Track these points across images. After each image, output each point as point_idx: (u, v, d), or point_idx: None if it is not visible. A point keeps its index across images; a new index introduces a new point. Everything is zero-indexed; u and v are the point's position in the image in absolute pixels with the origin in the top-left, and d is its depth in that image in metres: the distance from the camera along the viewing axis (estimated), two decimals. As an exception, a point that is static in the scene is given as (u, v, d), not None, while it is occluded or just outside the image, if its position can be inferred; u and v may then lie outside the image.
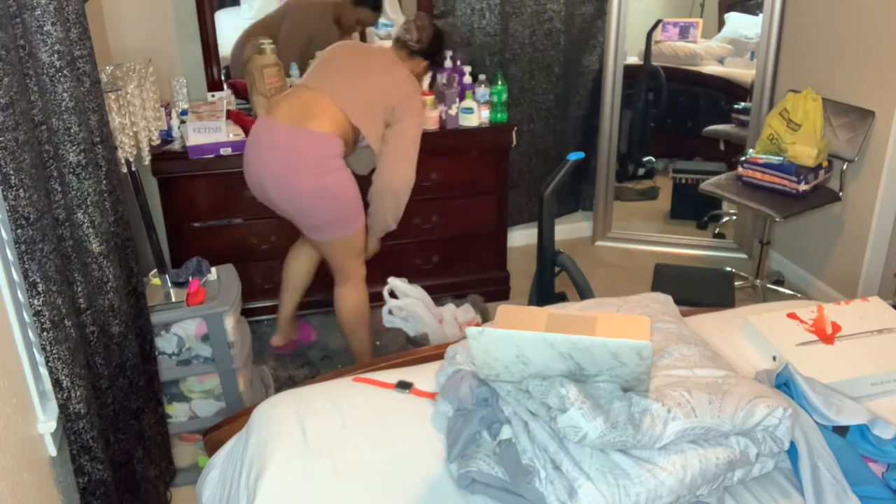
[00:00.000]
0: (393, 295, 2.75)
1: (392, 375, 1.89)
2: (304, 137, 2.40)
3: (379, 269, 3.28)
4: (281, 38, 3.10)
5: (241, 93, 3.24)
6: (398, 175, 2.58)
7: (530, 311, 1.55)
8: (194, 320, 2.28)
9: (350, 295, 2.67)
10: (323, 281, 3.25)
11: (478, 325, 2.84)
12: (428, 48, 2.65)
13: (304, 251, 2.88)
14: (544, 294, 2.86)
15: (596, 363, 1.43)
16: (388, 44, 2.71)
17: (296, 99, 2.49)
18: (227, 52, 3.25)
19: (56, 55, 1.57)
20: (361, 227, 2.59)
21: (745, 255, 3.84)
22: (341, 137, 2.45)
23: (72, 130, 1.64)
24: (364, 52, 2.74)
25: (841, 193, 3.20)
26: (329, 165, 2.42)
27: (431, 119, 3.10)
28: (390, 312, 2.73)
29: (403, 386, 1.82)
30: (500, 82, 3.18)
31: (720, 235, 4.01)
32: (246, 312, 2.85)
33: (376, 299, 2.88)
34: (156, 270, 2.39)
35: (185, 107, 3.05)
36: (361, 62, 2.61)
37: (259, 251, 3.12)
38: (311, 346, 3.10)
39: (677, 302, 2.06)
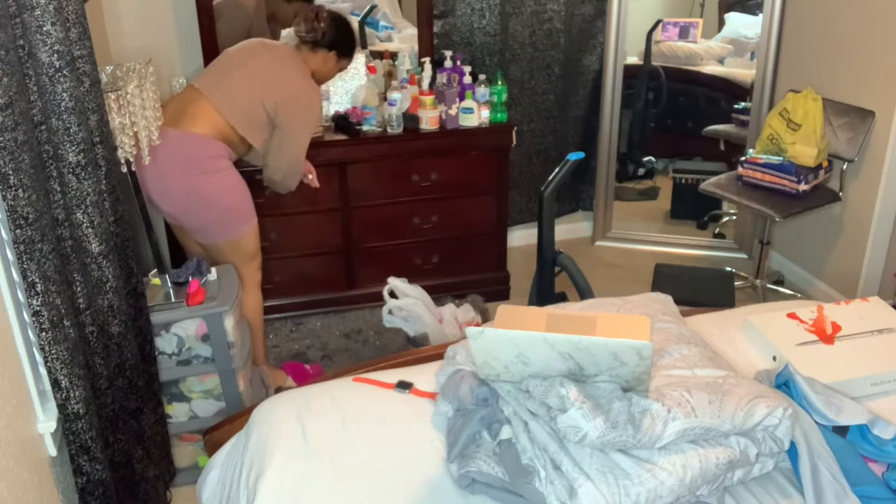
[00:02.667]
0: (393, 295, 2.75)
1: (392, 375, 1.88)
2: (178, 139, 2.38)
3: (379, 269, 3.28)
4: (220, 39, 3.06)
5: (240, 93, 3.24)
6: (278, 173, 2.56)
7: (530, 311, 1.55)
8: (194, 320, 2.28)
9: (245, 300, 2.61)
10: (323, 281, 3.26)
11: (478, 325, 2.84)
12: (328, 38, 2.55)
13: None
14: (544, 294, 2.86)
15: (596, 363, 1.43)
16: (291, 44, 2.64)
17: (180, 99, 2.50)
18: (227, 52, 3.24)
19: (56, 55, 1.57)
20: (250, 231, 2.55)
21: (745, 255, 3.84)
22: (220, 138, 2.42)
23: (71, 130, 1.64)
24: (258, 50, 2.58)
25: (841, 193, 3.20)
26: (204, 167, 2.40)
27: (431, 119, 3.10)
28: (390, 312, 2.73)
29: (403, 386, 1.82)
30: (500, 82, 3.18)
31: (720, 235, 4.01)
32: (246, 312, 2.85)
33: (376, 299, 2.88)
34: (156, 270, 2.39)
35: (185, 107, 3.04)
36: (250, 60, 2.52)
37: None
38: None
39: (677, 302, 2.06)
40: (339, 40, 2.59)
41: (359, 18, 3.52)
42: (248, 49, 2.59)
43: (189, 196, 2.41)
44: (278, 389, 2.58)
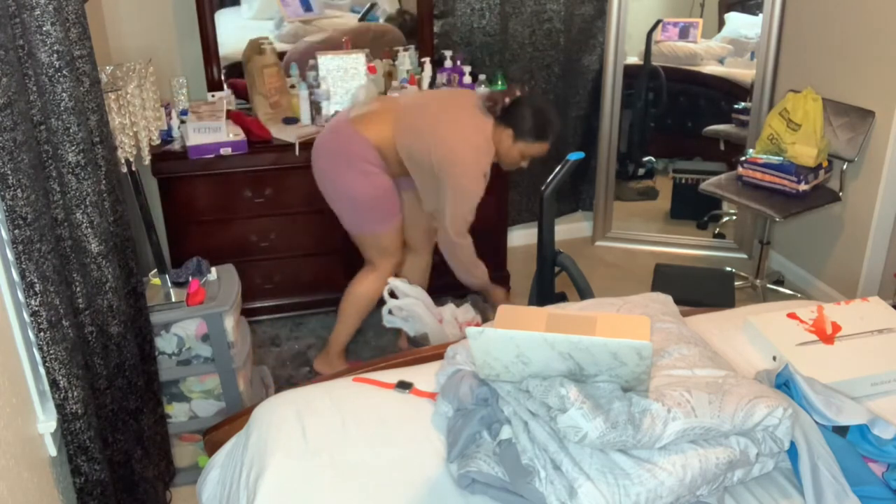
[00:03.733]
0: (393, 295, 2.75)
1: (392, 375, 1.88)
2: (348, 135, 2.54)
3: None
4: None
5: (241, 93, 3.24)
6: (443, 235, 2.59)
7: (530, 311, 1.55)
8: (194, 320, 2.28)
9: (364, 281, 2.74)
10: (324, 281, 3.25)
11: (478, 325, 2.84)
12: (505, 114, 2.47)
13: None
14: (544, 294, 2.86)
15: (596, 363, 1.43)
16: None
17: (373, 106, 2.63)
18: (228, 52, 3.24)
19: (55, 55, 1.57)
20: (382, 232, 2.63)
21: (745, 255, 3.84)
22: (378, 147, 2.51)
23: (71, 130, 1.64)
24: (451, 96, 2.73)
25: (841, 193, 3.20)
26: (351, 164, 2.52)
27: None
28: (390, 312, 2.73)
29: (403, 386, 1.82)
30: (500, 82, 3.18)
31: (720, 235, 4.01)
32: (246, 312, 2.85)
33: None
34: (156, 270, 2.39)
35: (185, 107, 3.05)
36: (443, 99, 2.64)
37: (259, 251, 3.12)
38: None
39: (677, 302, 2.06)
40: (517, 119, 2.46)
41: (358, 16, 3.52)
42: (448, 93, 2.84)
43: (334, 185, 2.60)
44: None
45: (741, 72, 4.06)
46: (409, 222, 2.77)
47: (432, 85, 3.22)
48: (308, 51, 3.32)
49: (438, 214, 2.58)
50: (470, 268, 2.69)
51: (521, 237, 3.92)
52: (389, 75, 3.32)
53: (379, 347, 3.08)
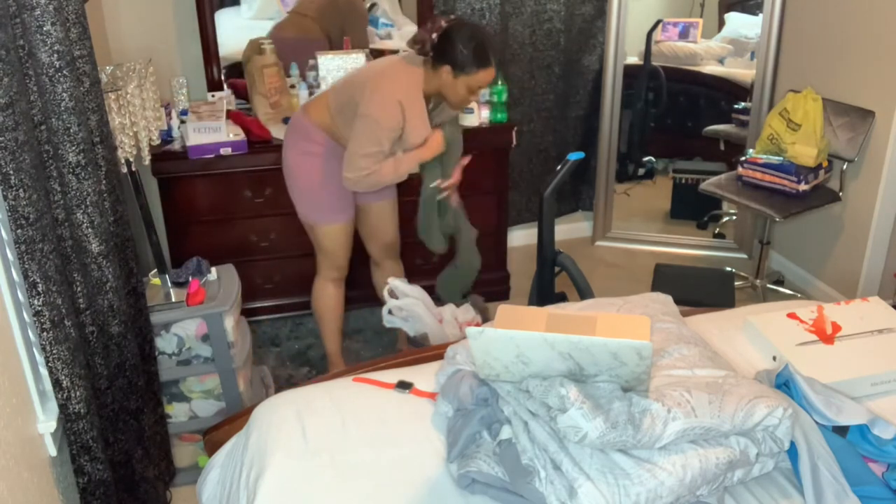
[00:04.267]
0: (393, 295, 2.75)
1: (392, 375, 1.88)
2: (294, 119, 2.55)
3: (379, 269, 3.27)
4: None
5: (241, 93, 3.24)
6: (344, 172, 2.40)
7: (530, 311, 1.55)
8: (194, 320, 2.28)
9: (314, 288, 2.75)
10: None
11: (478, 325, 2.84)
12: (436, 51, 2.27)
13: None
14: (544, 294, 2.86)
15: (596, 363, 1.43)
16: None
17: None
18: (228, 52, 3.25)
19: (56, 55, 1.57)
20: (322, 225, 2.58)
21: (745, 255, 3.84)
22: (323, 128, 2.47)
23: (71, 130, 1.64)
24: (381, 59, 2.61)
25: (841, 193, 3.20)
26: (295, 145, 2.52)
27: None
28: (390, 312, 2.73)
29: (403, 386, 1.82)
30: (500, 82, 3.18)
31: (720, 235, 4.01)
32: (246, 312, 2.85)
33: (376, 299, 2.87)
34: (156, 270, 2.39)
35: (185, 107, 3.05)
36: (369, 64, 2.55)
37: (259, 251, 3.12)
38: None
39: (677, 302, 2.06)
40: (450, 53, 2.25)
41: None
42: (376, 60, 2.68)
43: (285, 167, 2.57)
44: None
45: (741, 72, 4.06)
46: (370, 234, 2.77)
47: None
48: (278, 45, 3.33)
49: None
50: (389, 181, 2.45)
51: (521, 237, 3.92)
52: (389, 75, 3.31)
53: (379, 347, 3.08)
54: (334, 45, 3.40)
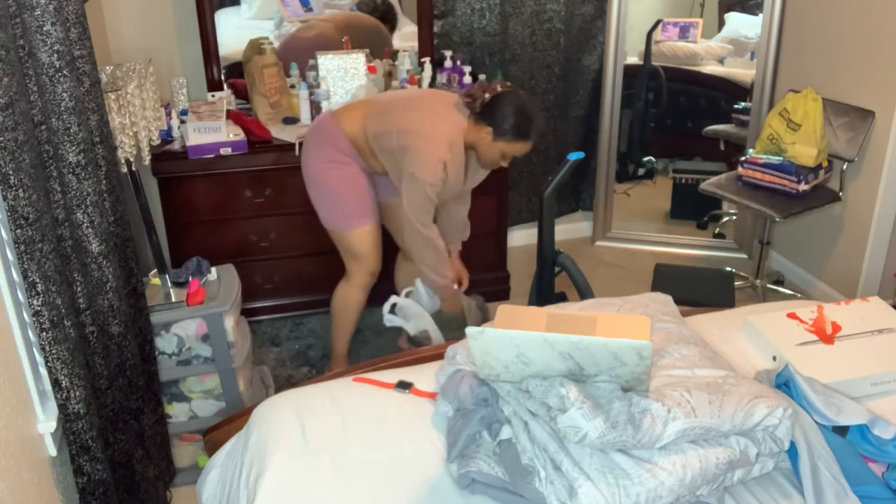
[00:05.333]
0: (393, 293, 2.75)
1: (392, 375, 1.88)
2: (328, 124, 2.54)
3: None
4: None
5: (241, 93, 3.24)
6: (413, 241, 2.49)
7: (530, 311, 1.55)
8: (194, 320, 2.28)
9: (340, 289, 2.75)
10: (324, 281, 3.25)
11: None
12: (484, 111, 2.34)
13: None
14: (544, 294, 2.86)
15: (596, 363, 1.43)
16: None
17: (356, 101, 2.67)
18: (228, 52, 3.25)
19: (56, 55, 1.57)
20: (349, 231, 2.59)
21: (745, 255, 3.84)
22: (353, 141, 2.49)
23: (71, 130, 1.64)
24: (426, 92, 2.67)
25: (841, 193, 3.20)
26: (321, 152, 2.53)
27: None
28: (391, 311, 2.74)
29: (403, 386, 1.82)
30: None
31: (720, 235, 4.01)
32: (246, 312, 2.85)
33: (376, 299, 2.87)
34: (156, 270, 2.39)
35: (185, 107, 3.05)
36: (422, 93, 2.59)
37: (259, 251, 3.12)
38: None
39: (677, 302, 2.06)
40: (497, 117, 2.33)
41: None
42: (430, 90, 2.76)
43: (307, 176, 2.59)
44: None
45: (741, 72, 4.06)
46: (399, 228, 2.74)
47: (432, 85, 3.22)
48: (293, 43, 3.31)
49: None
50: (425, 259, 2.51)
51: (521, 237, 3.92)
52: (389, 75, 3.32)
53: (379, 347, 3.08)
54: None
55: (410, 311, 2.71)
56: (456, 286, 2.73)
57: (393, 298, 2.70)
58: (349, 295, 2.72)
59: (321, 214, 2.63)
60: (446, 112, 2.42)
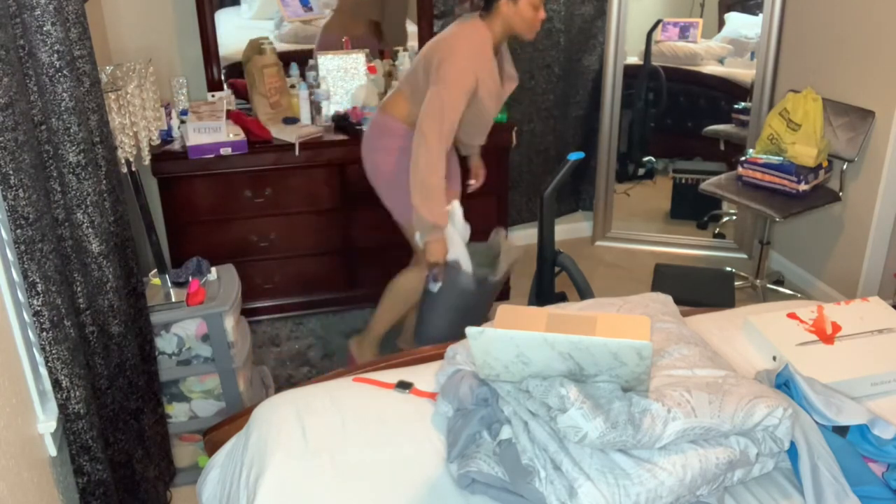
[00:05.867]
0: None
1: (392, 375, 1.88)
2: (374, 119, 2.55)
3: (379, 269, 3.28)
4: None
5: (241, 93, 3.24)
6: (413, 156, 2.33)
7: (530, 311, 1.55)
8: (194, 320, 2.28)
9: (406, 274, 2.70)
10: (323, 281, 3.25)
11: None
12: None
13: None
14: (544, 294, 2.86)
15: (596, 363, 1.43)
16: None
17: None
18: (228, 52, 3.25)
19: (56, 55, 1.57)
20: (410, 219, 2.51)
21: (745, 255, 3.84)
22: (401, 118, 2.46)
23: (71, 130, 1.64)
24: (444, 31, 2.49)
25: (841, 193, 3.20)
26: (378, 145, 2.53)
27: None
28: None
29: (403, 386, 1.82)
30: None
31: (720, 235, 4.01)
32: (246, 312, 2.85)
33: (376, 299, 2.86)
34: (156, 270, 2.39)
35: (185, 107, 3.05)
36: (437, 37, 2.46)
37: (259, 251, 3.12)
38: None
39: (677, 302, 2.06)
40: None
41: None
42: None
43: (367, 163, 2.58)
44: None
45: (741, 72, 4.06)
46: None
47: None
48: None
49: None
50: (421, 178, 2.32)
51: (521, 237, 3.92)
52: (389, 75, 3.32)
53: (378, 347, 3.08)
54: (383, 32, 3.45)
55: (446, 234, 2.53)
56: (473, 182, 2.76)
57: None
58: (412, 283, 2.68)
59: (394, 212, 2.60)
60: (460, 30, 2.36)
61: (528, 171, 3.83)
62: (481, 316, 2.65)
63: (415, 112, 2.37)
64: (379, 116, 2.55)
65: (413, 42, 3.44)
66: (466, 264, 2.55)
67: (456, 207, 2.56)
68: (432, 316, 2.59)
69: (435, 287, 2.53)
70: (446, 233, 2.47)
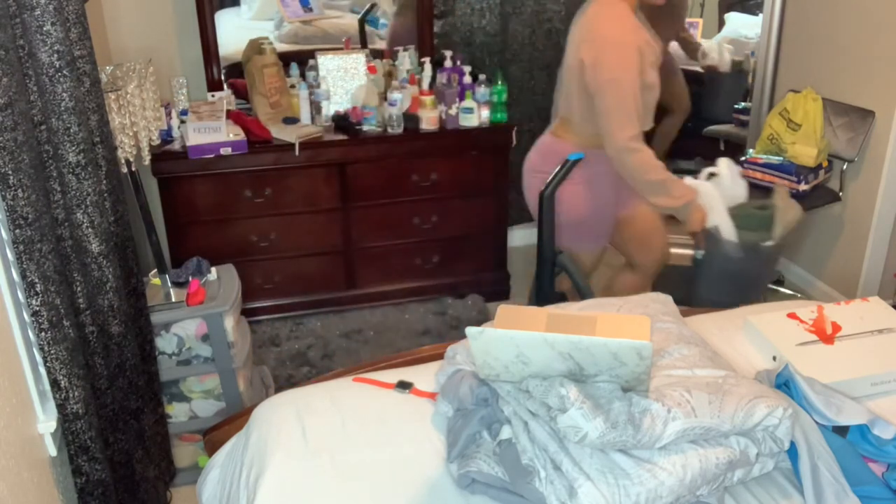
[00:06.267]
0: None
1: (392, 375, 1.88)
2: (544, 143, 2.44)
3: (379, 269, 3.28)
4: None
5: (241, 93, 3.24)
6: (619, 168, 2.23)
7: (530, 311, 1.55)
8: (194, 320, 2.28)
9: (624, 275, 2.68)
10: (323, 281, 3.25)
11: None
12: None
13: None
14: (544, 294, 2.85)
15: (596, 363, 1.43)
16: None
17: None
18: (228, 52, 3.25)
19: (56, 55, 1.57)
20: (583, 252, 2.46)
21: (745, 255, 3.84)
22: (571, 141, 2.32)
23: (71, 130, 1.64)
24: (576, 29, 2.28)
25: (841, 193, 3.20)
26: (544, 168, 2.37)
27: (431, 119, 3.08)
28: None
29: (403, 386, 1.82)
30: (500, 82, 3.18)
31: (720, 235, 4.00)
32: (246, 312, 2.85)
33: (376, 299, 2.86)
34: (156, 270, 2.39)
35: (185, 107, 3.05)
36: (571, 40, 2.25)
37: (259, 251, 3.12)
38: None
39: (677, 302, 2.06)
40: None
41: (359, 16, 3.52)
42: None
43: (534, 195, 2.41)
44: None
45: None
46: (637, 247, 2.61)
47: (432, 85, 3.22)
48: None
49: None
50: (643, 180, 2.22)
51: (521, 237, 3.92)
52: (389, 75, 3.32)
53: (379, 346, 3.08)
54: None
55: (705, 200, 2.39)
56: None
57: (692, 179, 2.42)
58: (627, 285, 2.64)
59: (561, 239, 2.48)
60: (594, 16, 2.19)
61: (528, 171, 3.83)
62: (759, 284, 2.53)
63: (586, 129, 2.26)
64: (548, 142, 2.43)
65: (413, 42, 3.44)
66: (728, 231, 2.37)
67: (723, 167, 2.39)
68: (705, 283, 2.49)
69: (699, 254, 2.42)
70: (704, 200, 2.31)
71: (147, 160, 2.30)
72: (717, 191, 2.36)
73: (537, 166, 2.47)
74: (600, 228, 2.52)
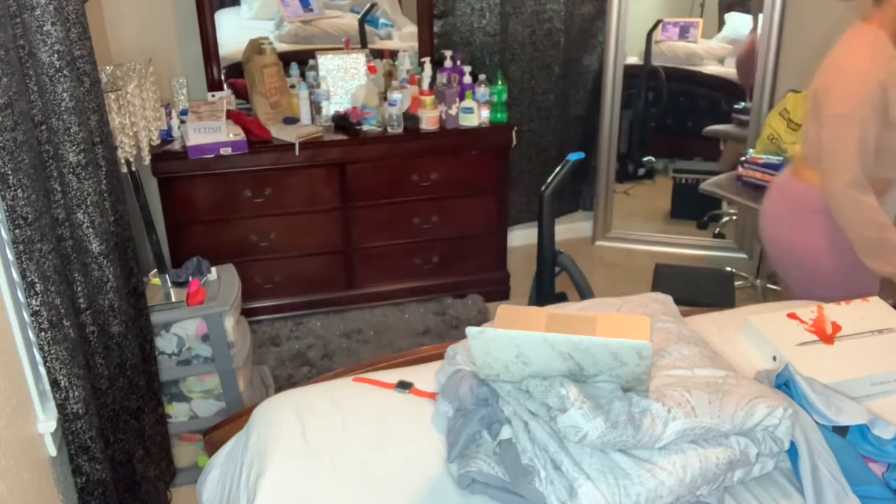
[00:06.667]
0: None
1: (392, 375, 1.88)
2: (786, 184, 2.20)
3: (379, 269, 3.28)
4: None
5: (241, 93, 3.24)
6: (836, 217, 2.01)
7: (530, 311, 1.55)
8: (194, 320, 2.28)
9: None
10: (323, 281, 3.26)
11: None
12: None
13: None
14: (544, 294, 2.86)
15: (596, 363, 1.43)
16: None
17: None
18: (228, 52, 3.25)
19: (56, 55, 1.57)
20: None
21: (745, 255, 3.84)
22: (812, 181, 2.09)
23: (71, 130, 1.64)
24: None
25: (841, 193, 3.20)
26: (799, 219, 2.17)
27: (431, 119, 3.08)
28: None
29: (403, 386, 1.82)
30: (500, 82, 3.18)
31: (720, 235, 4.01)
32: (246, 312, 2.85)
33: (376, 299, 2.87)
34: (156, 270, 2.39)
35: (185, 107, 3.05)
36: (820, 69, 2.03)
37: (259, 251, 3.12)
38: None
39: (677, 302, 2.06)
40: None
41: (359, 16, 3.52)
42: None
43: (777, 245, 2.22)
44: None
45: (741, 72, 4.06)
46: None
47: (432, 85, 3.22)
48: None
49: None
50: (857, 235, 1.98)
51: (521, 237, 3.93)
52: (389, 75, 3.32)
53: (379, 346, 3.08)
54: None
55: None
56: None
57: None
58: None
59: (793, 283, 2.27)
60: (840, 45, 1.97)
61: (528, 170, 3.83)
62: None
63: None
64: (791, 182, 2.16)
65: (413, 42, 3.44)
66: None
67: None
68: None
69: None
70: None
71: (147, 160, 2.30)
72: None
73: (787, 217, 2.19)
74: (865, 277, 2.15)
